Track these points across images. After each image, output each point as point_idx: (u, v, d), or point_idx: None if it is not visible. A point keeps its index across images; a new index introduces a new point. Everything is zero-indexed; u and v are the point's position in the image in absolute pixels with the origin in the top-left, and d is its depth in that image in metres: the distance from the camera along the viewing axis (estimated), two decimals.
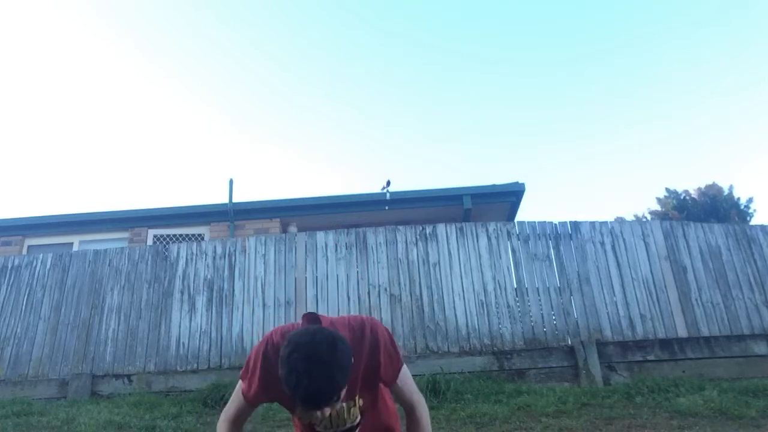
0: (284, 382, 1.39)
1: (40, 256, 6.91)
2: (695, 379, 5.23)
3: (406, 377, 1.72)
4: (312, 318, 1.59)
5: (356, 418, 1.73)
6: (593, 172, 35.48)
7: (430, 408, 4.90)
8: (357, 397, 1.68)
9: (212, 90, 31.62)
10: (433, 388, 5.04)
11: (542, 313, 6.06)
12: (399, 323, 6.02)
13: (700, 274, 6.21)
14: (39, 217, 9.15)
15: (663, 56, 29.60)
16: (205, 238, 8.93)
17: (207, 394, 5.34)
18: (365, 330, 1.63)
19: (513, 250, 6.36)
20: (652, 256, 6.29)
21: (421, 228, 6.56)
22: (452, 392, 5.04)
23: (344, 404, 1.65)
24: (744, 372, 5.54)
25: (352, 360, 1.48)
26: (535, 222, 6.54)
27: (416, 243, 6.46)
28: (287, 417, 4.58)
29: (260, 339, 1.71)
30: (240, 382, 1.71)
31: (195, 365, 6.04)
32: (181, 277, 6.50)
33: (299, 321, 1.62)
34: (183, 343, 6.17)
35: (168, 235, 9.05)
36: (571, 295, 6.14)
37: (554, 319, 6.06)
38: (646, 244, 6.36)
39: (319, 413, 1.44)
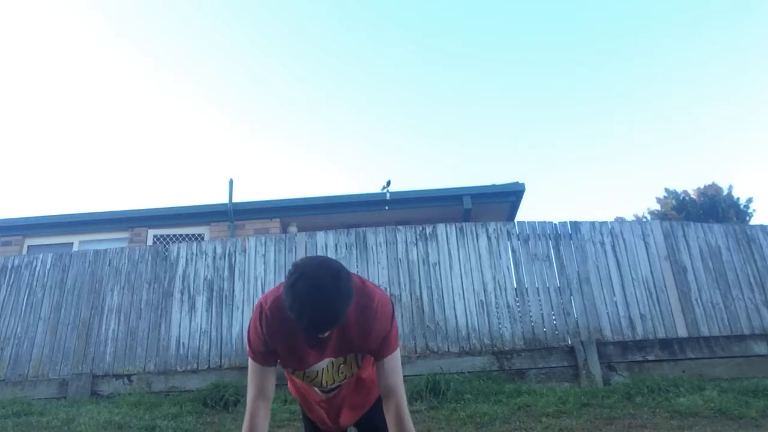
0: (289, 308, 1.47)
1: (40, 256, 6.91)
2: (695, 379, 5.23)
3: (395, 360, 1.74)
4: None
5: (344, 377, 1.80)
6: (593, 172, 35.47)
7: (430, 408, 4.92)
8: (349, 357, 1.74)
9: (212, 89, 31.64)
10: (433, 388, 5.04)
11: (542, 313, 6.06)
12: (399, 323, 6.02)
13: (700, 274, 6.21)
14: (39, 217, 9.14)
15: (663, 56, 29.62)
16: (205, 238, 8.93)
17: (207, 394, 5.34)
18: (375, 299, 1.69)
19: (513, 250, 6.36)
20: (652, 256, 6.29)
21: (421, 228, 6.56)
22: (452, 392, 5.04)
23: (335, 360, 1.73)
24: (744, 372, 5.54)
25: (360, 324, 1.61)
26: (535, 222, 6.54)
27: (416, 243, 6.46)
28: (287, 417, 4.58)
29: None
30: (249, 359, 1.75)
31: (195, 365, 6.04)
32: (181, 277, 6.50)
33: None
34: (183, 343, 6.17)
35: (168, 235, 9.05)
36: (571, 295, 6.14)
37: (554, 319, 6.06)
38: (646, 244, 6.36)
39: (321, 336, 1.55)
